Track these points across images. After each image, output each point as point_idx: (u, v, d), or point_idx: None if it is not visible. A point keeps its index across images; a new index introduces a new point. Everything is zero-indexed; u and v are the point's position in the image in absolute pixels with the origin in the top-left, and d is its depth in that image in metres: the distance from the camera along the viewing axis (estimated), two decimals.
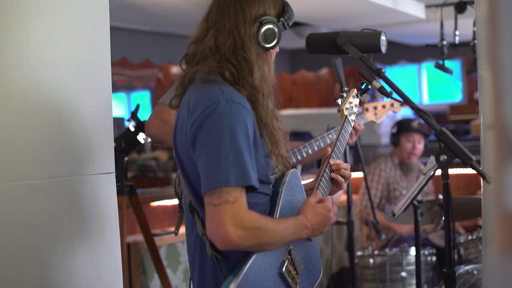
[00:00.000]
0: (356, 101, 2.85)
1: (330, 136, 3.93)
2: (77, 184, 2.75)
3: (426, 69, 9.59)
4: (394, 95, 2.36)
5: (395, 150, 6.14)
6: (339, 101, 2.83)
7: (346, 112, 2.80)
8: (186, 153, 2.27)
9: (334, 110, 7.94)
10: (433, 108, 9.30)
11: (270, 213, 2.33)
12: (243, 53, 2.31)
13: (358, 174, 6.77)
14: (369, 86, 3.06)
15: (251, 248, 2.20)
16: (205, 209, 2.18)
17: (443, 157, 2.22)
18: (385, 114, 4.20)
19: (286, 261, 2.32)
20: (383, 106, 4.20)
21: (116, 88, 8.62)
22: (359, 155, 4.70)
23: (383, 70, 2.41)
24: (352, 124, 2.82)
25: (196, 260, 2.37)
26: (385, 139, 7.90)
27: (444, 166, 2.22)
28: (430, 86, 9.72)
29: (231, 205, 2.13)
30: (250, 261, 2.21)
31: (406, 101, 2.28)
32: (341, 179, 2.59)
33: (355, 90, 2.83)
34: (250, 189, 2.21)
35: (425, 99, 9.60)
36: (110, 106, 2.90)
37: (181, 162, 2.33)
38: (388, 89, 2.38)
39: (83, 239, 2.78)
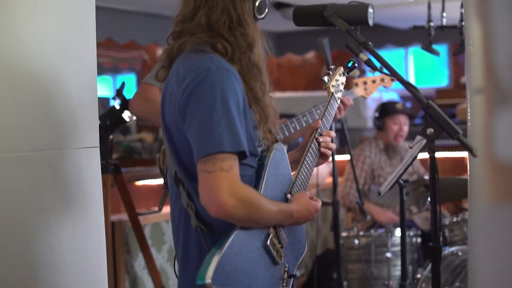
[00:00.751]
0: (343, 79, 2.85)
1: (319, 111, 3.88)
2: (61, 158, 2.72)
3: (413, 54, 9.59)
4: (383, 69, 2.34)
5: (379, 134, 6.06)
6: (326, 78, 2.82)
7: (332, 89, 2.79)
8: (175, 122, 2.25)
9: (320, 93, 7.95)
10: None
11: (255, 186, 2.32)
12: (241, 29, 2.29)
13: (344, 157, 6.77)
14: (356, 64, 3.05)
15: (241, 220, 2.18)
16: (197, 177, 2.15)
17: (430, 130, 2.21)
18: (375, 89, 4.16)
19: (271, 234, 2.31)
20: (373, 81, 4.16)
21: (101, 70, 8.57)
22: (346, 138, 4.69)
23: (369, 43, 2.39)
24: (338, 101, 2.83)
25: (181, 233, 2.35)
26: (371, 123, 7.89)
27: (431, 139, 2.21)
28: (416, 70, 9.72)
29: (226, 173, 2.11)
30: (235, 232, 2.19)
31: (393, 73, 2.27)
32: (329, 153, 2.61)
33: (341, 68, 2.83)
34: (240, 158, 2.19)
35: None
36: (94, 80, 2.87)
37: (168, 132, 2.31)
38: (377, 64, 2.37)
39: (66, 213, 2.75)
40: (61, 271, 2.75)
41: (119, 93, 4.25)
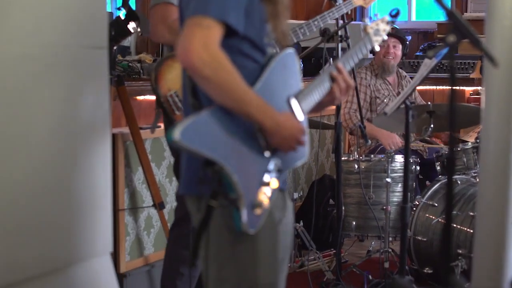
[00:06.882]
0: (386, 26, 2.87)
1: (331, 14, 3.79)
2: (68, 56, 2.64)
3: None
4: None
5: (373, 59, 6.07)
6: (368, 21, 2.85)
7: (370, 30, 2.80)
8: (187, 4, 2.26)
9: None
10: (420, 26, 9.21)
11: (252, 82, 2.24)
12: None
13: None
14: (400, 12, 3.06)
15: (206, 79, 2.12)
16: None
17: (452, 38, 2.16)
18: None
19: None
20: None
21: None
22: None
23: None
24: (374, 44, 2.82)
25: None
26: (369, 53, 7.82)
27: (452, 47, 2.17)
28: (418, 4, 9.62)
29: (203, 29, 2.12)
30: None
31: None
32: (341, 87, 2.50)
33: (387, 17, 2.87)
34: (231, 35, 2.19)
35: (413, 17, 9.51)
36: None
37: (182, 16, 2.34)
38: None
39: (73, 118, 2.70)
40: (67, 175, 2.71)
41: (125, 3, 4.16)
